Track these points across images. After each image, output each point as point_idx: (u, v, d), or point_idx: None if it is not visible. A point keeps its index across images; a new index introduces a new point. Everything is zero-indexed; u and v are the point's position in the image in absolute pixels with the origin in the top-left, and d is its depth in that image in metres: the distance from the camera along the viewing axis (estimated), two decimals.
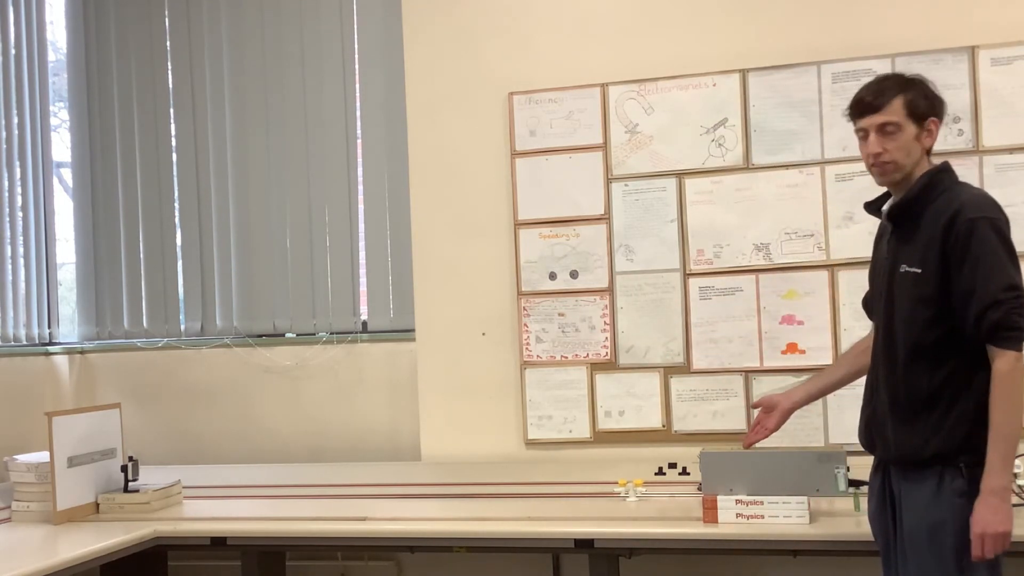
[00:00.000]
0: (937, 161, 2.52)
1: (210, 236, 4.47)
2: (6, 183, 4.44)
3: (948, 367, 2.38)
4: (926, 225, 2.42)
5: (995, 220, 2.37)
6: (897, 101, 2.47)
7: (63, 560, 3.02)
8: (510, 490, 3.65)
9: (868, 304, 2.71)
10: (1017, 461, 3.10)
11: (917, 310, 2.41)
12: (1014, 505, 2.99)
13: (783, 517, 2.97)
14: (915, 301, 2.42)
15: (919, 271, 2.41)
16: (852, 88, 3.49)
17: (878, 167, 2.49)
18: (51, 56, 4.78)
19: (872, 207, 2.61)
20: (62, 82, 4.83)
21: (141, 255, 4.58)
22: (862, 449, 2.61)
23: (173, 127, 4.55)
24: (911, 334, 2.43)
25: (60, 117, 4.98)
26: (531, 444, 3.85)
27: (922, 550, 2.38)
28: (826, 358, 3.52)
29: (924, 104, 2.47)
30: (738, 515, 3.00)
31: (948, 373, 2.38)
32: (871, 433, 2.56)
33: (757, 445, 2.97)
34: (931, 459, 2.38)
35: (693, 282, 3.71)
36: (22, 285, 4.49)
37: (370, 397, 4.22)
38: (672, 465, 3.60)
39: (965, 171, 3.38)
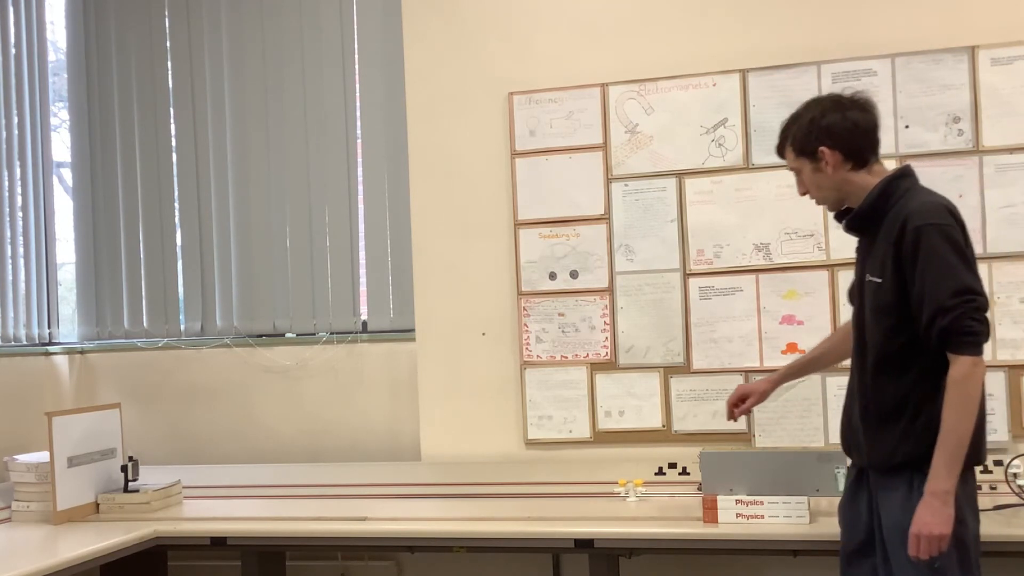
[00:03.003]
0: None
1: (210, 236, 4.47)
2: (6, 183, 4.44)
3: (913, 375, 2.41)
4: (883, 235, 2.47)
5: (943, 226, 2.37)
6: (788, 146, 2.61)
7: (63, 560, 3.02)
8: (510, 490, 3.65)
9: (852, 293, 2.75)
10: (1016, 462, 3.12)
11: (880, 319, 2.46)
12: (1013, 505, 3.02)
13: (783, 517, 2.97)
14: (878, 310, 2.46)
15: (879, 281, 2.45)
16: (852, 88, 3.51)
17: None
18: (51, 56, 4.78)
19: (841, 217, 2.66)
20: (62, 82, 4.83)
21: (141, 255, 4.58)
22: None
23: (173, 127, 4.55)
24: (877, 343, 2.47)
25: (60, 117, 4.98)
26: (531, 444, 3.85)
27: (899, 551, 2.42)
28: None
29: (804, 138, 2.55)
30: (738, 515, 3.00)
31: (913, 381, 2.41)
32: (847, 439, 2.63)
33: (758, 444, 2.98)
34: (901, 465, 2.43)
35: (693, 282, 3.71)
36: (22, 285, 4.49)
37: (370, 397, 4.22)
38: (672, 465, 3.61)
39: (965, 171, 3.43)
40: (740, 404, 3.02)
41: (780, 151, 2.65)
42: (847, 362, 2.70)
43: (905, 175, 2.53)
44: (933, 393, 2.37)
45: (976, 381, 2.33)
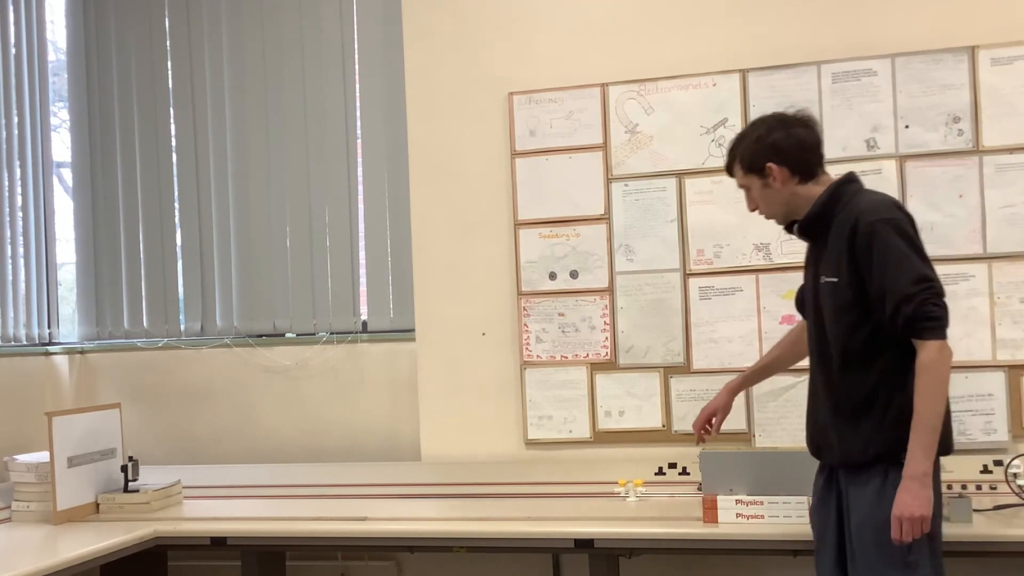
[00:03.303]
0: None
1: (210, 236, 4.47)
2: (6, 183, 4.44)
3: (879, 368, 2.47)
4: (834, 237, 2.54)
5: (893, 220, 2.45)
6: (737, 164, 2.69)
7: (63, 560, 3.03)
8: (510, 490, 3.66)
9: (800, 301, 2.83)
10: (1016, 462, 3.13)
11: (841, 317, 2.52)
12: (1013, 505, 3.02)
13: (783, 517, 2.98)
14: (837, 309, 2.52)
15: (836, 280, 2.52)
16: (852, 88, 3.55)
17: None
18: (51, 56, 4.78)
19: (789, 228, 2.73)
20: (62, 82, 4.83)
21: (141, 255, 4.58)
22: None
23: (173, 127, 4.55)
24: (840, 341, 2.52)
25: (60, 117, 4.98)
26: (531, 444, 3.85)
27: (869, 547, 2.45)
28: None
29: (751, 156, 2.63)
30: (738, 515, 3.01)
31: (880, 374, 2.46)
32: (816, 440, 2.66)
33: (758, 444, 3.00)
34: (874, 460, 2.47)
35: (693, 282, 3.71)
36: (22, 285, 4.49)
37: (370, 397, 4.21)
38: (672, 465, 3.61)
39: (965, 171, 3.43)
40: (708, 424, 3.06)
41: (729, 170, 2.73)
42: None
43: (851, 180, 2.61)
44: (901, 386, 2.42)
45: (944, 364, 2.39)
